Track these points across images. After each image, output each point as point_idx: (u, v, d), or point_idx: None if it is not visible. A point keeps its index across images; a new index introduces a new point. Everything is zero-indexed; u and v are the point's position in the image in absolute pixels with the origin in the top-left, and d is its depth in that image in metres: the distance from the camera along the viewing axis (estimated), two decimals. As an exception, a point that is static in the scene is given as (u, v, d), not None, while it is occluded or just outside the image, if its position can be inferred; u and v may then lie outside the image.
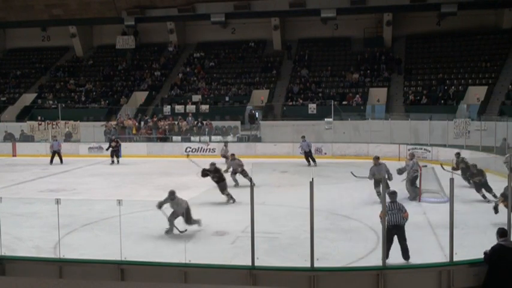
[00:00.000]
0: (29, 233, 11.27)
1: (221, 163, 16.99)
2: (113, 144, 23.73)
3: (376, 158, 14.22)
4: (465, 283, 7.87)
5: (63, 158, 23.54)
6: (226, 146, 22.22)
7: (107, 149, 24.04)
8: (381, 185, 11.89)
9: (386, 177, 13.07)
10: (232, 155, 17.47)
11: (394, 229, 9.08)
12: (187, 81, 32.56)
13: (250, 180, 13.88)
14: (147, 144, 27.02)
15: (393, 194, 9.59)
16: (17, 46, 38.13)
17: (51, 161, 23.36)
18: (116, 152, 23.66)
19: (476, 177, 14.26)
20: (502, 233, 7.77)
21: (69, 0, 32.77)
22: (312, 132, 25.55)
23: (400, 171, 15.08)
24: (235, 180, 16.68)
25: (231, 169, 16.75)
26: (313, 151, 22.53)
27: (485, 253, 7.76)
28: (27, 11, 33.50)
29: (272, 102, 29.68)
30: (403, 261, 9.10)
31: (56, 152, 23.57)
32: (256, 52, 34.13)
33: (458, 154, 17.58)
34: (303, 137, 22.47)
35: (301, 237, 10.53)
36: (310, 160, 21.96)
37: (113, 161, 23.47)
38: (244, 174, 16.54)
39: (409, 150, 20.90)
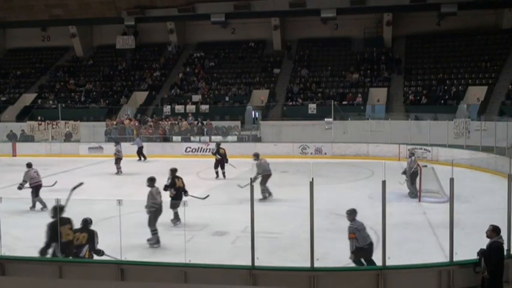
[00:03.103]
0: (29, 233, 11.26)
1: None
2: None
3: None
4: (465, 283, 7.87)
5: (63, 158, 22.87)
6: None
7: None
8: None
9: None
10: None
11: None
12: (187, 81, 32.54)
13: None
14: (147, 144, 26.99)
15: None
16: (17, 46, 38.13)
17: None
18: None
19: None
20: (497, 230, 7.75)
21: (69, 0, 32.76)
22: (312, 132, 25.56)
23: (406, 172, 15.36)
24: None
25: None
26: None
27: (480, 252, 7.74)
28: (27, 11, 33.49)
29: (272, 102, 29.68)
30: (403, 262, 9.10)
31: None
32: (256, 52, 34.11)
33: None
34: (138, 135, 26.27)
35: (301, 237, 10.52)
36: (142, 156, 24.39)
37: None
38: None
39: (408, 150, 20.83)
